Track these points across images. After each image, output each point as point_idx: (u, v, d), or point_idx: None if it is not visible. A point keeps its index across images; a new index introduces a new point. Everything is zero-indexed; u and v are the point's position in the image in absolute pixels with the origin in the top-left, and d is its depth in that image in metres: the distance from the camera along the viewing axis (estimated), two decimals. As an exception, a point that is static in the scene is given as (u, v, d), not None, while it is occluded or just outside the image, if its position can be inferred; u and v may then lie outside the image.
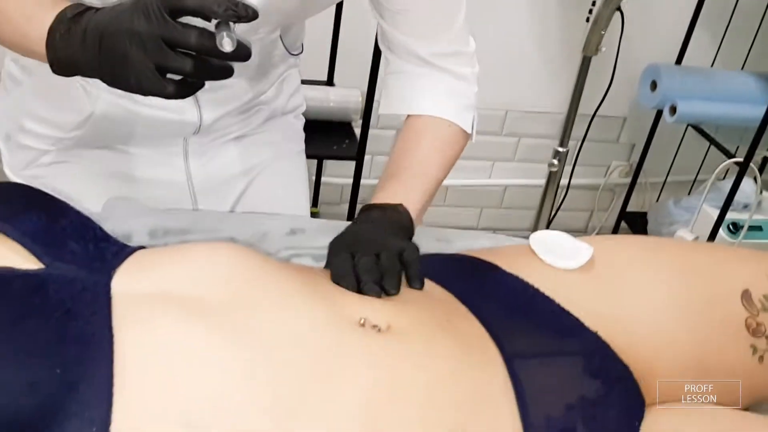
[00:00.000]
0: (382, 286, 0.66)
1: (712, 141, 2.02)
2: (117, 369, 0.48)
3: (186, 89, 0.62)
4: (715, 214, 2.00)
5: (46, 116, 0.95)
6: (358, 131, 1.82)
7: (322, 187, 2.11)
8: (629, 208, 2.37)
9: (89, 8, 0.65)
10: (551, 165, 2.00)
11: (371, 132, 1.79)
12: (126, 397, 0.47)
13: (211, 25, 0.60)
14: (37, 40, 0.66)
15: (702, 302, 0.73)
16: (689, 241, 0.83)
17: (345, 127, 1.77)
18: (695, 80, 2.01)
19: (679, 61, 2.09)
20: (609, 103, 2.12)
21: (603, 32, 1.79)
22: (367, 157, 1.85)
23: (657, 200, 2.43)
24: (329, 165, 2.09)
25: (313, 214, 1.64)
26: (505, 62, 2.10)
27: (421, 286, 0.69)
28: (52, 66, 0.65)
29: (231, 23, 0.59)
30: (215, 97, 0.94)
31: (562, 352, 0.66)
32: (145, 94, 0.61)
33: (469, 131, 0.91)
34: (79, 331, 0.49)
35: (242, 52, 0.60)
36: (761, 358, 0.73)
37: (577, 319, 0.70)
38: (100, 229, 0.62)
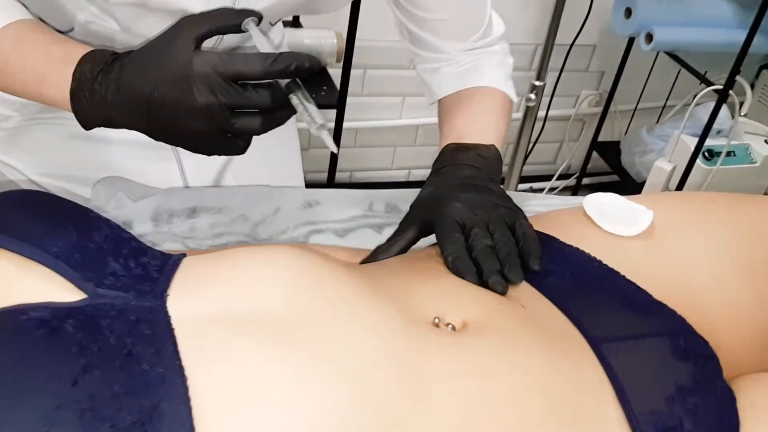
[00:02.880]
0: (504, 276, 0.63)
1: (688, 68, 1.98)
2: (196, 414, 0.41)
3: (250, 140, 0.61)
4: (690, 141, 1.99)
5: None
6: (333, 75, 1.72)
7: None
8: (600, 138, 2.34)
9: (109, 61, 0.60)
10: (528, 99, 1.94)
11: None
12: None
13: None
14: (59, 101, 0.62)
15: (766, 260, 0.70)
16: (736, 194, 0.78)
17: (320, 72, 1.66)
18: (671, 6, 1.96)
19: (652, -14, 2.03)
20: (581, 32, 2.06)
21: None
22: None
23: (627, 128, 2.41)
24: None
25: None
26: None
27: (539, 268, 0.65)
28: (83, 126, 0.62)
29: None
30: None
31: (648, 333, 0.61)
32: (212, 155, 0.61)
33: (514, 99, 0.90)
34: (148, 379, 0.41)
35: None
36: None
37: (648, 294, 0.65)
38: (134, 238, 0.54)
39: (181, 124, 0.57)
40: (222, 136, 0.58)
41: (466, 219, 0.68)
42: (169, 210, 0.81)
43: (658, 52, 2.16)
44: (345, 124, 1.92)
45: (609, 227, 0.70)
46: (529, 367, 0.53)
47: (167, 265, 0.51)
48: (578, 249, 0.68)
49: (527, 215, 0.72)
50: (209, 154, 0.61)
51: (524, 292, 0.63)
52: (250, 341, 0.46)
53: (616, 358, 0.56)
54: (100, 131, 0.68)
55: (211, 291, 0.49)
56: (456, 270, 0.63)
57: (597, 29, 2.19)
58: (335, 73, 1.72)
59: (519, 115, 2.05)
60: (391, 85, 2.09)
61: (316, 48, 1.61)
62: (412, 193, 0.92)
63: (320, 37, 1.62)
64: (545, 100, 2.16)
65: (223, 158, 0.97)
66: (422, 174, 2.39)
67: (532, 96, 1.93)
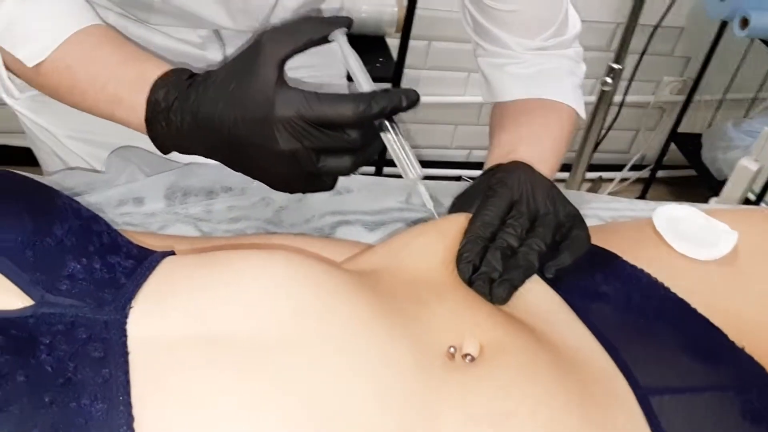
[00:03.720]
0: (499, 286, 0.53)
1: (786, 58, 1.80)
2: None
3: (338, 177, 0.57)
4: (782, 139, 1.81)
5: None
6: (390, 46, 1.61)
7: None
8: (680, 129, 2.17)
9: (185, 88, 0.55)
10: (604, 83, 1.79)
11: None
12: None
13: None
14: (134, 125, 0.58)
15: None
16: None
17: (377, 42, 1.55)
18: (772, -13, 1.77)
19: (753, -36, 1.84)
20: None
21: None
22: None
23: (711, 121, 2.23)
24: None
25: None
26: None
27: (551, 275, 0.55)
28: (160, 150, 0.58)
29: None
30: (242, 35, 0.77)
31: (713, 386, 0.50)
32: (295, 193, 0.58)
33: (583, 115, 0.77)
34: (84, 417, 0.33)
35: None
36: None
37: (722, 335, 0.54)
38: (108, 230, 0.46)
39: (264, 165, 0.53)
40: (308, 176, 0.54)
41: (522, 197, 0.59)
42: (185, 188, 0.73)
43: (752, 39, 1.97)
44: (404, 99, 1.82)
45: (683, 248, 0.59)
46: (552, 414, 0.43)
47: (141, 267, 0.43)
48: (642, 271, 0.57)
49: (587, 220, 0.62)
50: (293, 193, 0.58)
51: (558, 313, 0.52)
52: (222, 372, 0.37)
53: (667, 417, 0.46)
54: None
55: (186, 304, 0.41)
56: (458, 258, 0.55)
57: (686, 10, 2.01)
58: (393, 43, 1.62)
59: (593, 98, 1.91)
60: (455, 59, 1.97)
61: (374, 17, 1.50)
62: (457, 186, 0.82)
63: (380, 3, 1.52)
64: (622, 84, 2.00)
65: None
66: (483, 155, 2.28)
67: (609, 80, 1.78)
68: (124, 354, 0.37)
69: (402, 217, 0.76)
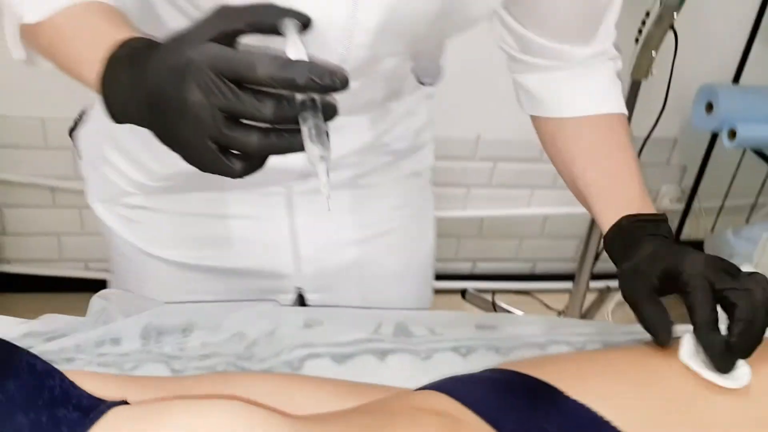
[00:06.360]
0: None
1: (776, 167, 1.84)
2: None
3: (255, 165, 0.51)
4: (781, 245, 1.82)
5: (134, 154, 0.82)
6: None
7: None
8: (683, 236, 2.19)
9: (147, 45, 0.53)
10: (599, 197, 1.83)
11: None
12: None
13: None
14: (92, 84, 0.55)
15: None
16: None
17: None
18: (756, 101, 1.83)
19: (736, 79, 1.92)
20: (659, 124, 1.95)
21: (654, 54, 1.62)
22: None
23: (712, 228, 2.24)
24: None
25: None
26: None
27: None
28: (112, 117, 0.55)
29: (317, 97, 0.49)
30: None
31: None
32: (206, 171, 0.51)
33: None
34: None
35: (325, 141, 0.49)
36: None
37: None
38: (61, 384, 0.48)
39: (173, 123, 0.49)
40: (212, 147, 0.49)
41: (716, 279, 0.61)
42: (159, 327, 0.77)
43: (745, 149, 2.02)
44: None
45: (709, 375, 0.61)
46: None
47: (86, 419, 0.46)
48: (598, 417, 0.57)
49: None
50: (202, 169, 0.51)
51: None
52: None
53: None
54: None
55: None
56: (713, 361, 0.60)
57: (678, 121, 2.07)
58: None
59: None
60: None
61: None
62: (428, 316, 0.85)
63: None
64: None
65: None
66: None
67: (603, 193, 1.82)
68: None
69: (370, 348, 0.78)
